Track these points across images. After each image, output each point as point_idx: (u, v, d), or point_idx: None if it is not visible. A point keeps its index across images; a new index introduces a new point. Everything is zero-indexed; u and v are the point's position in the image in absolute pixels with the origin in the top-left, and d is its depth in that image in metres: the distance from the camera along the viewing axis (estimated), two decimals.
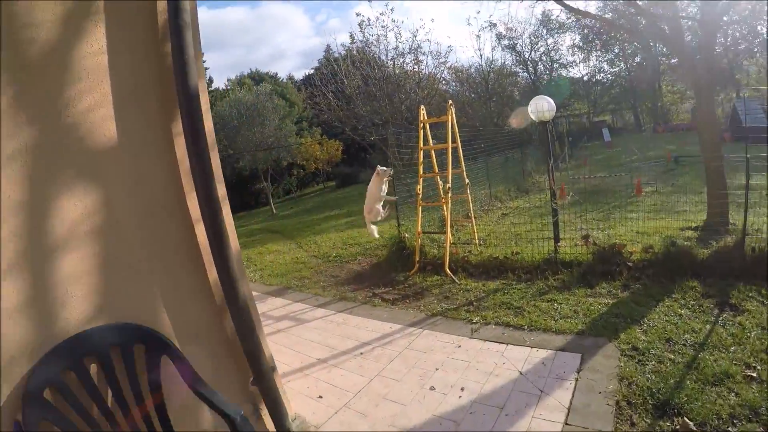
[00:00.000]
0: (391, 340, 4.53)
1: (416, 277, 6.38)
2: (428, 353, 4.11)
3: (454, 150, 7.08)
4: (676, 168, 14.06)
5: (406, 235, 7.26)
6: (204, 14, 79.28)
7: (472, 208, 7.45)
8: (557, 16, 35.32)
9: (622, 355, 3.62)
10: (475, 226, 7.37)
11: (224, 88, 36.01)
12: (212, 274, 2.71)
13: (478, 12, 35.45)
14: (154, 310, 2.49)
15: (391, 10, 15.79)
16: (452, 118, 6.90)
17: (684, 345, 3.62)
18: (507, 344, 4.07)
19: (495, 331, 4.37)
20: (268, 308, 6.21)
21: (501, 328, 4.42)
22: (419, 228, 6.75)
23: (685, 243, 5.67)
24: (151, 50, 2.52)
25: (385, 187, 6.68)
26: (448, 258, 6.25)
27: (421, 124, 7.04)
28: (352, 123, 17.33)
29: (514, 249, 6.52)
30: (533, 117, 6.17)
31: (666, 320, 4.10)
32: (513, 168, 15.81)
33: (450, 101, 7.10)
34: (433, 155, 7.43)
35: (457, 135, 7.16)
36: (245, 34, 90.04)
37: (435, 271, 6.44)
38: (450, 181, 6.57)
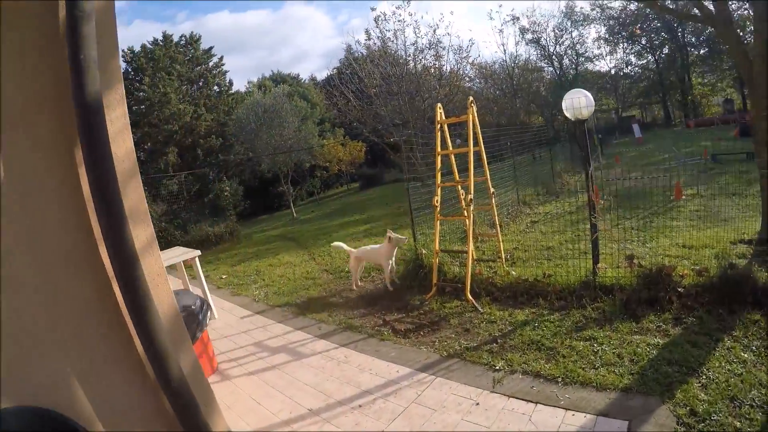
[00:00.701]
0: (396, 389, 3.79)
1: (433, 302, 5.62)
2: (439, 411, 3.36)
3: (477, 154, 6.25)
4: (715, 167, 12.90)
5: (423, 251, 6.49)
6: (226, 18, 79.90)
7: (497, 221, 6.60)
8: (581, 8, 34.20)
9: (678, 423, 2.82)
10: (501, 241, 6.52)
11: (245, 90, 35.81)
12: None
13: (500, 6, 34.40)
14: (64, 389, 1.89)
15: (408, 2, 14.83)
16: (474, 117, 6.03)
17: (752, 406, 2.83)
18: (536, 403, 3.29)
19: (522, 384, 3.58)
20: (267, 336, 5.56)
21: (529, 379, 3.63)
22: (437, 245, 5.96)
23: (742, 262, 4.79)
24: (50, 56, 1.86)
25: (394, 253, 6.48)
26: (470, 280, 5.45)
27: (439, 126, 6.25)
28: (371, 124, 16.64)
29: (546, 269, 5.71)
30: (568, 114, 5.31)
31: (728, 369, 3.28)
32: (541, 168, 14.88)
33: (471, 98, 6.14)
34: (453, 160, 6.64)
35: (480, 136, 6.27)
36: (267, 36, 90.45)
37: (455, 294, 5.67)
38: (472, 191, 5.76)
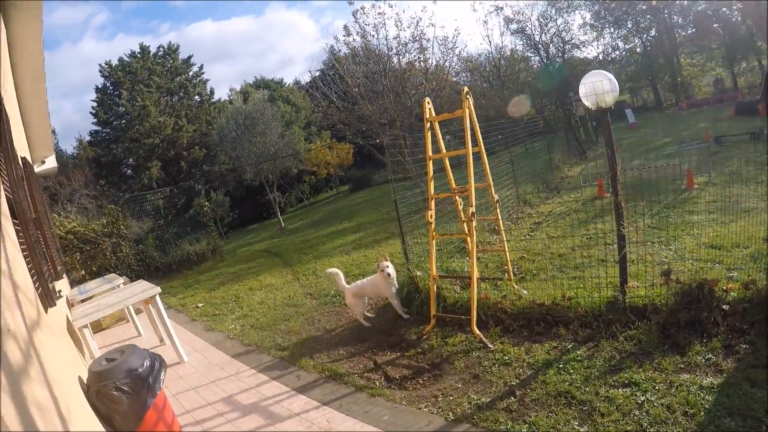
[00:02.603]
0: None
1: (433, 338, 4.73)
2: None
3: (476, 156, 5.26)
4: (721, 150, 12.08)
5: (418, 273, 5.58)
6: (209, 27, 78.63)
7: (503, 232, 5.68)
8: None
9: None
10: (508, 253, 5.61)
11: (228, 98, 34.81)
12: None
13: None
14: None
15: None
16: (471, 111, 5.03)
17: None
18: None
19: None
20: (238, 389, 4.66)
21: None
22: (434, 270, 5.01)
23: None
24: None
25: (394, 277, 5.39)
26: (475, 310, 4.54)
27: (428, 124, 5.24)
28: (356, 125, 15.74)
29: (563, 287, 4.84)
30: (587, 102, 4.37)
31: None
32: (538, 161, 14.02)
33: (466, 88, 5.06)
34: (447, 165, 5.65)
35: (479, 134, 5.23)
36: (252, 44, 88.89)
37: (458, 325, 4.79)
38: (474, 203, 4.82)
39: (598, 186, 10.05)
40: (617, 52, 37.10)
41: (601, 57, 35.85)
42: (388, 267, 5.27)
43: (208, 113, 33.38)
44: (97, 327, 8.13)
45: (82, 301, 6.47)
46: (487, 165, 5.41)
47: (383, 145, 14.69)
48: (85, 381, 3.69)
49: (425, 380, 4.00)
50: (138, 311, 7.74)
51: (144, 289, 5.90)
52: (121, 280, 7.51)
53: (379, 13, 13.95)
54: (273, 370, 4.91)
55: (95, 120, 31.14)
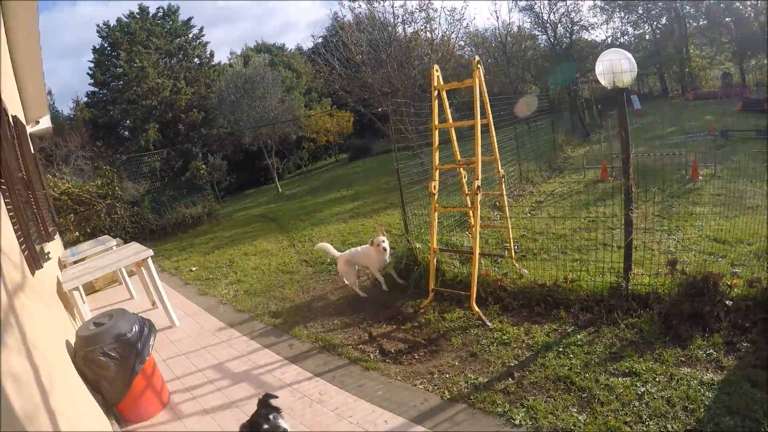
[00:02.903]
0: None
1: (430, 312, 4.63)
2: None
3: (485, 128, 5.04)
4: (727, 144, 11.90)
5: (417, 245, 5.46)
6: None
7: (507, 208, 5.54)
8: None
9: None
10: (510, 230, 5.49)
11: (228, 62, 34.08)
12: None
13: None
14: None
15: None
16: (481, 81, 4.80)
17: None
18: None
19: None
20: (230, 355, 4.59)
21: None
22: (434, 242, 4.89)
23: None
24: None
25: (387, 253, 5.26)
26: (475, 287, 4.44)
27: (435, 92, 5.01)
28: (358, 93, 15.44)
29: (564, 268, 4.74)
30: (603, 81, 4.17)
31: None
32: (541, 140, 13.79)
33: (476, 57, 4.82)
34: (453, 135, 5.44)
35: (488, 106, 5.01)
36: (254, 7, 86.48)
37: (457, 300, 4.69)
38: (480, 176, 4.62)
39: (602, 169, 9.90)
40: (626, 37, 36.24)
41: (609, 41, 35.08)
42: (383, 242, 5.19)
43: (207, 76, 32.69)
44: (90, 289, 8.06)
45: (75, 262, 6.34)
46: (494, 138, 5.23)
47: (384, 115, 14.48)
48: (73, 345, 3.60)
49: (421, 356, 3.91)
50: (131, 273, 7.63)
51: (136, 251, 5.76)
52: (114, 242, 7.37)
53: None
54: (265, 338, 4.83)
55: (92, 81, 30.47)
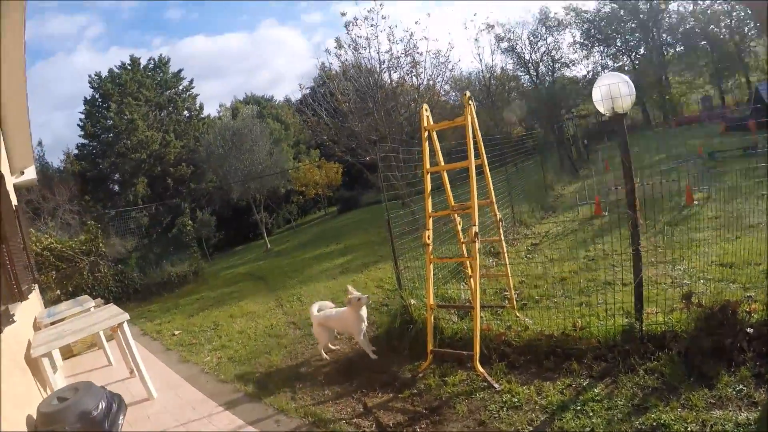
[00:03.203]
0: None
1: (430, 376, 4.21)
2: None
3: (479, 170, 4.74)
4: (715, 166, 11.89)
5: (412, 301, 5.07)
6: (201, 42, 78.30)
7: (507, 258, 5.17)
8: (555, 14, 34.17)
9: None
10: (511, 278, 5.12)
11: (217, 115, 34.41)
12: None
13: (475, 14, 33.98)
14: None
15: (381, 5, 13.55)
16: (473, 118, 4.54)
17: None
18: None
19: None
20: None
21: None
22: (431, 298, 4.48)
23: None
24: None
25: (364, 313, 4.96)
26: (478, 346, 4.03)
27: (426, 132, 4.73)
28: (345, 143, 15.38)
29: (571, 315, 4.38)
30: (600, 108, 3.93)
31: None
32: (531, 180, 13.65)
33: (468, 93, 4.58)
34: (446, 179, 5.04)
35: (482, 146, 4.75)
36: (244, 60, 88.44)
37: (458, 361, 4.29)
38: (477, 221, 4.29)
39: (596, 204, 9.72)
40: (606, 71, 37.42)
41: (590, 75, 36.12)
42: (363, 297, 4.90)
43: (196, 129, 32.91)
44: (68, 353, 7.58)
45: (53, 323, 5.90)
46: (490, 180, 4.95)
47: (373, 164, 14.35)
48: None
49: (423, 428, 3.48)
50: (110, 338, 7.15)
51: (112, 314, 5.34)
52: (93, 302, 6.93)
53: (371, 26, 13.67)
54: (250, 413, 4.35)
55: (83, 133, 30.51)
